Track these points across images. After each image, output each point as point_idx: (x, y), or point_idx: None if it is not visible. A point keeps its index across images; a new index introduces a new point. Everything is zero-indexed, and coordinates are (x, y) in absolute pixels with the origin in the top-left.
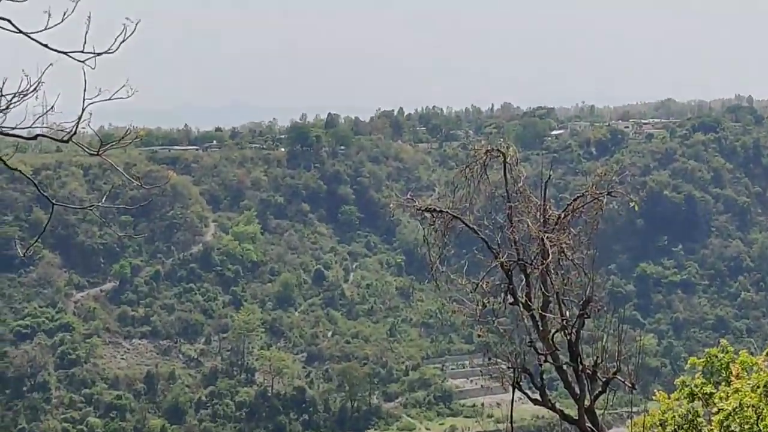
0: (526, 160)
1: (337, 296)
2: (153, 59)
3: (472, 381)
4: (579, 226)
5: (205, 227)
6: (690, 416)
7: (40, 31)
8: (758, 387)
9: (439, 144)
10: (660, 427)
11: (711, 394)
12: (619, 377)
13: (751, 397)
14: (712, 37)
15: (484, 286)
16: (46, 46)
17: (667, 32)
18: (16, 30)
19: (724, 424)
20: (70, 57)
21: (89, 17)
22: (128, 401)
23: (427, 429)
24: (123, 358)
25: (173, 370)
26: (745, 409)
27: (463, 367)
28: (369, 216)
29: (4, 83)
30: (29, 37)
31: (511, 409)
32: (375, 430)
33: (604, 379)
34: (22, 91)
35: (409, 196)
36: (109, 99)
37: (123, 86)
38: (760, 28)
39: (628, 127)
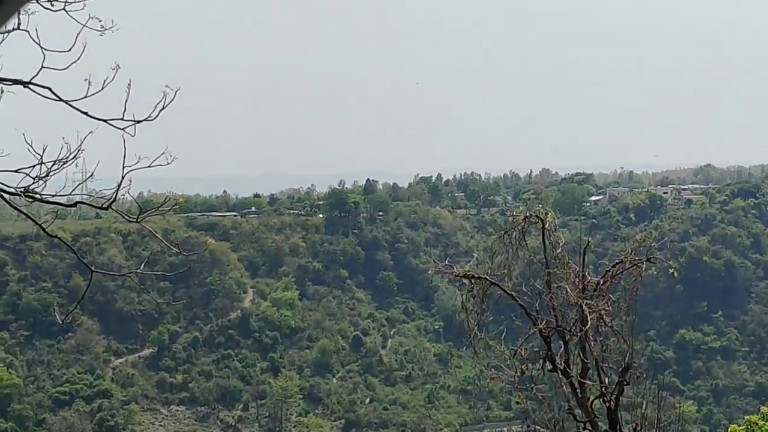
0: (565, 226)
1: (375, 363)
2: (191, 127)
3: None
4: (618, 292)
5: (244, 293)
6: None
7: (81, 99)
8: None
9: (477, 210)
10: None
11: None
12: None
13: None
14: (751, 100)
15: (523, 352)
16: (86, 113)
17: (708, 94)
18: (56, 98)
19: None
20: (110, 125)
21: (129, 85)
22: None
23: None
24: (161, 425)
25: None
26: None
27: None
28: (407, 282)
29: (44, 150)
30: (70, 105)
31: None
32: None
33: None
34: (62, 159)
35: (447, 263)
36: (149, 166)
37: (162, 153)
38: None
39: (667, 192)
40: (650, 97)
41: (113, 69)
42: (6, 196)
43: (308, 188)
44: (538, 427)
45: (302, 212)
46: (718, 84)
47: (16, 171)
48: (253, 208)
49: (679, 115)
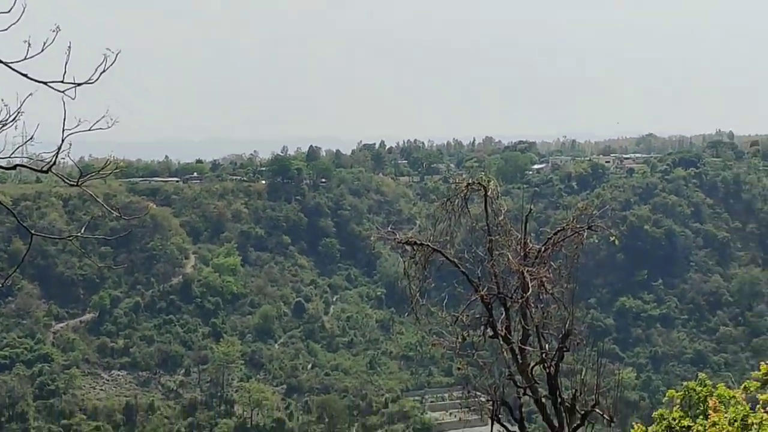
0: (507, 194)
1: (317, 329)
2: (134, 90)
3: (451, 414)
4: (559, 260)
5: (185, 259)
6: None
7: (20, 60)
8: (735, 420)
9: (420, 177)
10: None
11: (689, 428)
12: (597, 410)
13: (728, 431)
14: (693, 71)
15: (464, 319)
16: (25, 75)
17: (649, 65)
18: None
19: None
20: (50, 87)
21: (69, 47)
22: None
23: None
24: (102, 390)
25: (152, 401)
26: None
27: (443, 400)
28: (349, 249)
29: None
30: (9, 66)
31: None
32: None
33: (582, 412)
34: (1, 121)
35: (389, 229)
36: (89, 130)
37: (103, 117)
38: (741, 63)
39: (609, 161)
40: (588, 66)
41: (53, 31)
42: None
43: (251, 154)
44: (478, 393)
45: (245, 178)
46: (659, 54)
47: None
48: (196, 174)
49: (619, 84)
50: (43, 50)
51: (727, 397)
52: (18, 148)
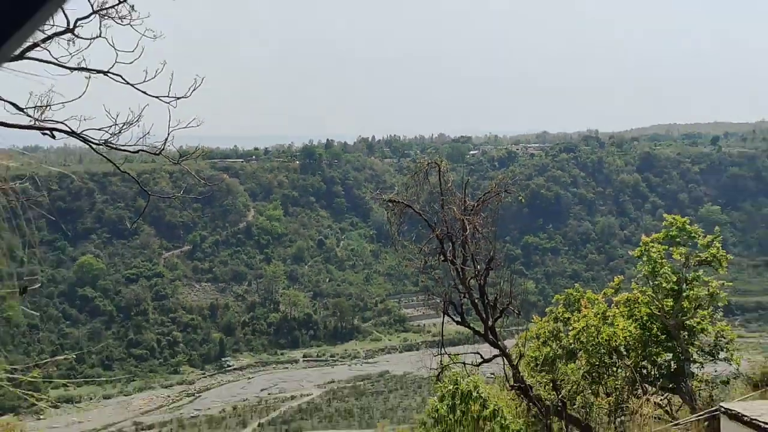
0: (453, 170)
1: (332, 256)
2: (213, 101)
3: (417, 310)
4: (486, 212)
5: (248, 211)
6: (555, 332)
7: (141, 83)
8: (598, 314)
9: (398, 159)
10: (535, 339)
11: (568, 318)
12: (510, 308)
13: (593, 320)
14: (573, 79)
15: (426, 249)
16: (144, 92)
17: (544, 73)
18: (125, 82)
19: (576, 336)
20: (161, 100)
21: (172, 75)
22: (198, 321)
23: (389, 340)
24: (195, 295)
25: (227, 302)
26: (589, 327)
27: (412, 301)
28: (353, 205)
29: (117, 116)
30: (134, 87)
31: (442, 327)
32: (356, 341)
33: (501, 309)
34: (129, 122)
35: (377, 193)
36: (185, 127)
37: (194, 119)
38: (606, 72)
39: (518, 149)
40: (502, 72)
41: (162, 63)
42: (93, 145)
43: (289, 144)
44: (435, 297)
45: (285, 160)
46: (555, 67)
47: (99, 129)
48: (254, 157)
49: (526, 89)
50: (155, 76)
51: (593, 299)
52: (140, 139)
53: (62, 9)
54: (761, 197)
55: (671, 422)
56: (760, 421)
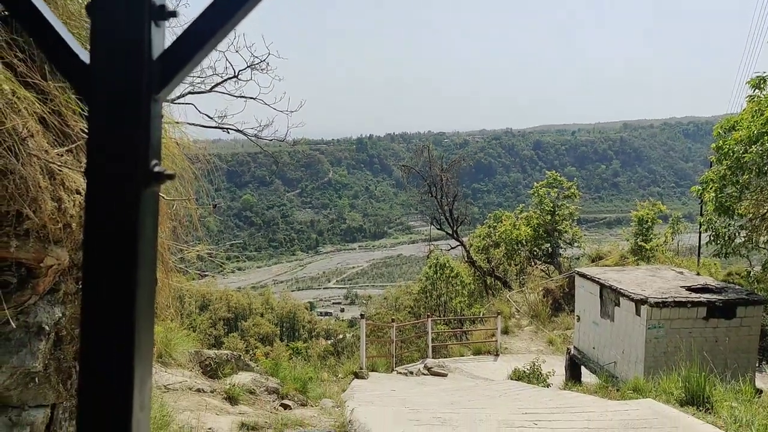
0: (435, 150)
1: (372, 195)
2: (307, 106)
3: (418, 222)
4: (452, 171)
5: (329, 173)
6: (488, 233)
7: (274, 102)
8: (511, 223)
9: (406, 144)
10: (478, 237)
11: (496, 226)
12: (465, 220)
13: (508, 227)
14: (487, 81)
15: (420, 191)
16: (273, 108)
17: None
18: (263, 103)
19: (500, 235)
20: (283, 112)
21: (287, 96)
22: (304, 228)
23: (403, 238)
24: (303, 215)
25: (319, 219)
26: (507, 230)
27: (416, 218)
28: (383, 168)
29: (261, 122)
30: (270, 106)
31: (430, 231)
32: (385, 238)
33: (460, 221)
34: (266, 125)
35: (400, 164)
36: (296, 126)
37: (300, 122)
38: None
39: (470, 139)
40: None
41: (283, 93)
42: (251, 137)
43: (349, 136)
44: (426, 215)
45: (348, 145)
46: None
47: (252, 128)
48: (325, 144)
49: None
50: (281, 99)
51: (509, 216)
52: (272, 133)
53: (230, 64)
54: (597, 162)
55: (549, 279)
56: (592, 276)
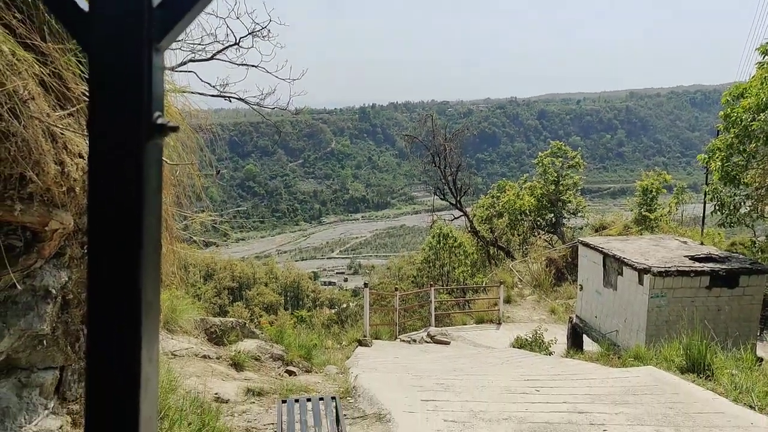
0: (439, 119)
1: (376, 165)
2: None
3: (421, 193)
4: (456, 141)
5: (331, 143)
6: (492, 203)
7: (276, 71)
8: (515, 193)
9: (410, 113)
10: (482, 207)
11: (499, 196)
12: (469, 190)
13: (512, 197)
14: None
15: (424, 161)
16: (276, 76)
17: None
18: (265, 71)
19: (503, 205)
20: (285, 81)
21: (290, 65)
22: (307, 198)
23: (406, 209)
24: (306, 185)
25: (322, 189)
26: (510, 200)
27: (419, 188)
28: (386, 138)
29: (263, 91)
30: (272, 74)
31: (433, 201)
32: (388, 209)
33: (464, 191)
34: (268, 93)
35: (404, 134)
36: (298, 95)
37: (303, 91)
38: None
39: (474, 108)
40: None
41: (285, 61)
42: (253, 106)
43: (351, 106)
44: (430, 185)
45: (350, 114)
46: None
47: (254, 96)
48: (327, 114)
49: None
50: (284, 67)
51: (512, 186)
52: (275, 101)
53: (231, 31)
54: (602, 132)
55: (552, 248)
56: (596, 245)
